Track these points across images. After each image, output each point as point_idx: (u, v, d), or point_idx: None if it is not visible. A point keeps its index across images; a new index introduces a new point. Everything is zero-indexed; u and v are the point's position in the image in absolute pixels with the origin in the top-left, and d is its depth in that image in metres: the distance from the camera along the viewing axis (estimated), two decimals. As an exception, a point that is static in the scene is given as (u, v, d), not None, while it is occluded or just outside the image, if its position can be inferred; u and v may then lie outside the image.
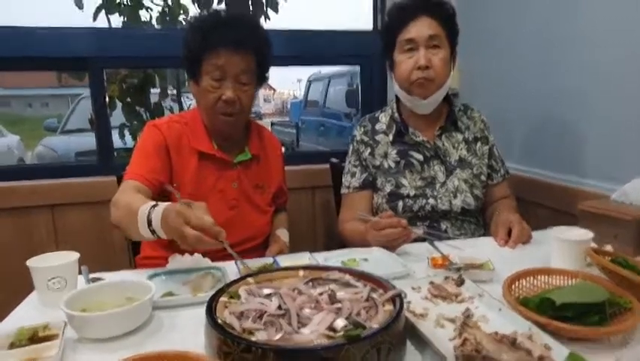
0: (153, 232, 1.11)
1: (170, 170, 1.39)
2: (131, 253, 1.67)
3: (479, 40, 2.09)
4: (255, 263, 1.17)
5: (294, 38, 2.31)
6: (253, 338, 0.68)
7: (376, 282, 0.86)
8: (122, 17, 2.69)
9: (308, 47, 2.35)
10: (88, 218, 2.05)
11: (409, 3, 1.50)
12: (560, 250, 1.09)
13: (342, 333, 0.69)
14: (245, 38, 1.36)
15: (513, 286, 0.95)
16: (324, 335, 0.69)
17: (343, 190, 1.64)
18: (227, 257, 1.19)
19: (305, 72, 8.84)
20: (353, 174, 1.61)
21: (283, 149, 1.76)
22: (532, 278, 0.99)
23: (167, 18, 2.83)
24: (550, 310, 0.82)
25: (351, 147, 1.65)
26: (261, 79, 1.47)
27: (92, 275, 1.12)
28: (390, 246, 1.27)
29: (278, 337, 0.68)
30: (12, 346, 0.79)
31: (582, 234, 1.12)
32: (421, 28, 1.46)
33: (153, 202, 1.15)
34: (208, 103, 1.38)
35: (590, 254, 0.99)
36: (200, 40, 1.36)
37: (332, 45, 2.39)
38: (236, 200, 1.45)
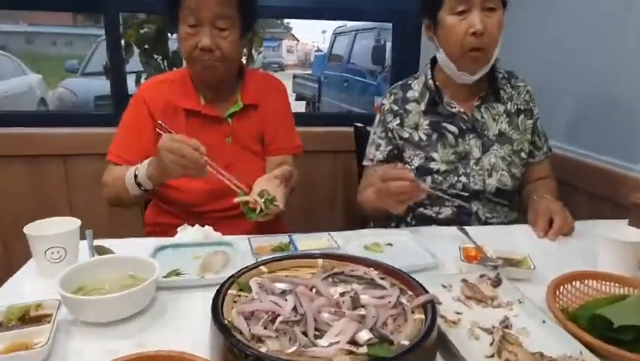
0: (140, 185, 1.20)
1: (158, 137, 1.30)
2: (143, 208, 1.61)
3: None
4: (269, 241, 1.08)
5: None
6: (263, 348, 0.59)
7: (406, 282, 0.77)
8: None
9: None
10: (101, 170, 1.99)
11: None
12: (611, 252, 0.97)
13: (365, 348, 0.60)
14: None
15: (557, 292, 0.84)
16: (345, 350, 0.60)
17: (366, 162, 1.51)
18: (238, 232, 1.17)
19: (330, 23, 8.51)
20: (378, 146, 1.48)
21: (304, 104, 1.64)
22: (579, 283, 0.88)
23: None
24: (604, 330, 0.71)
25: (378, 117, 1.50)
26: (246, 25, 1.32)
27: (96, 242, 1.05)
28: (398, 204, 1.16)
29: (292, 350, 0.59)
30: (0, 326, 0.72)
31: (636, 234, 1.00)
32: None
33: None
34: (186, 51, 1.27)
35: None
36: None
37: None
38: (232, 156, 1.35)
